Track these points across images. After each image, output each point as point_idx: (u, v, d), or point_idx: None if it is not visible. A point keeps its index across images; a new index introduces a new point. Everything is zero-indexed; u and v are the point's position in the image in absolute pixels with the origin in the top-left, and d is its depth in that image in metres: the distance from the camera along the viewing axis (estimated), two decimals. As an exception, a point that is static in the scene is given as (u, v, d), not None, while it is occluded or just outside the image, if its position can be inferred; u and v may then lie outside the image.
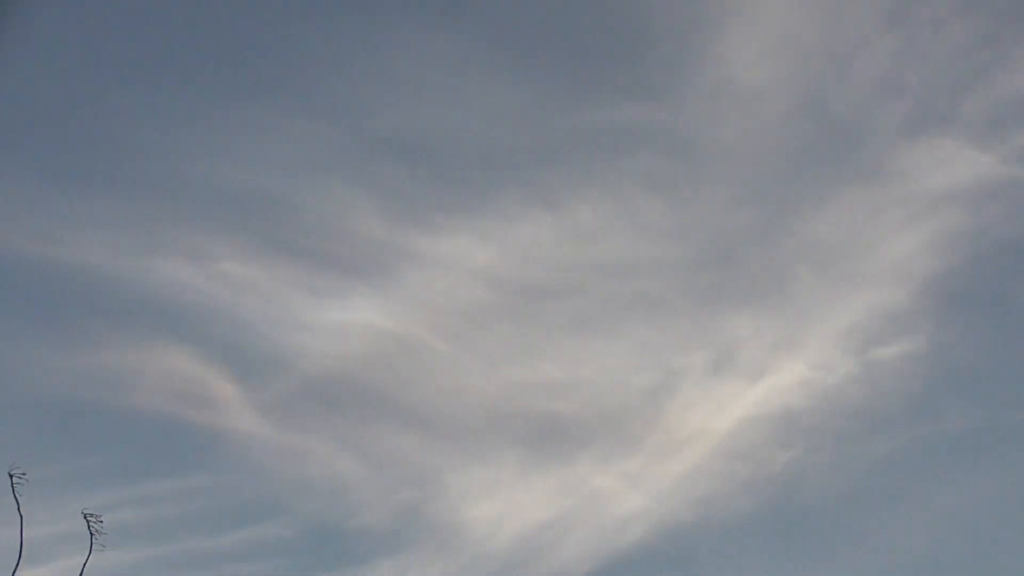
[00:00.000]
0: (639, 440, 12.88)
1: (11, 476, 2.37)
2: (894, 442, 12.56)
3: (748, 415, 12.48)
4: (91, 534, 2.49)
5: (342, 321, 12.49)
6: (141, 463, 12.48)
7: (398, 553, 12.24)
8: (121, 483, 11.06)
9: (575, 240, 12.78)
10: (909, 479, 12.62)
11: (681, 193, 12.78)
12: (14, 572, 2.43)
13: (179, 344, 12.19)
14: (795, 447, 12.57)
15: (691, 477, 12.31)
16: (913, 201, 12.35)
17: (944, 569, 12.27)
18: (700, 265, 12.85)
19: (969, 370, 12.45)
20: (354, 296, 12.45)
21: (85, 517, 2.52)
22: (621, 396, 12.99)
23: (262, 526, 11.97)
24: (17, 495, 2.38)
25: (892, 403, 12.49)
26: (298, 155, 12.31)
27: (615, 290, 13.10)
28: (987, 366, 12.48)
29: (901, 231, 12.29)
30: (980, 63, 12.04)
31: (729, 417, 12.54)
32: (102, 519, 2.51)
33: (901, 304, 12.24)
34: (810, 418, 12.62)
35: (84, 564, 2.46)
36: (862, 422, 12.55)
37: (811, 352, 12.68)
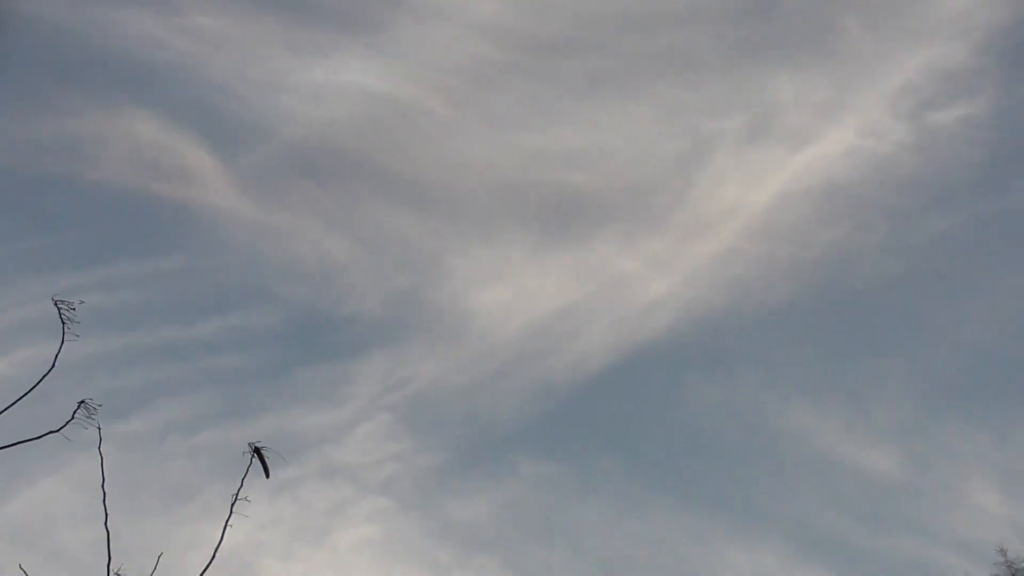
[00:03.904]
0: (666, 217, 12.54)
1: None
2: (953, 219, 12.24)
3: (788, 189, 11.68)
4: (63, 322, 2.38)
5: (330, 82, 11.61)
6: (108, 243, 12.52)
7: (394, 344, 11.99)
8: (88, 264, 11.33)
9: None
10: (971, 259, 12.45)
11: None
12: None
13: (146, 109, 12.14)
14: (841, 225, 12.05)
15: (724, 259, 11.88)
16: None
17: (1014, 362, 12.11)
18: (737, 15, 12.31)
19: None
20: (343, 54, 11.59)
21: (56, 303, 2.41)
22: (646, 167, 12.47)
23: (243, 313, 12.11)
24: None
25: (951, 174, 11.97)
26: None
27: (640, 45, 12.48)
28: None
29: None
30: None
31: (767, 191, 11.77)
32: (75, 305, 2.40)
33: (962, 61, 11.39)
34: (859, 192, 12.02)
35: (56, 354, 2.38)
36: (917, 196, 12.10)
37: (860, 116, 11.84)
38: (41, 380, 2.36)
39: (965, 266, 12.36)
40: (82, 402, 2.48)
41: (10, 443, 2.33)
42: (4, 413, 2.30)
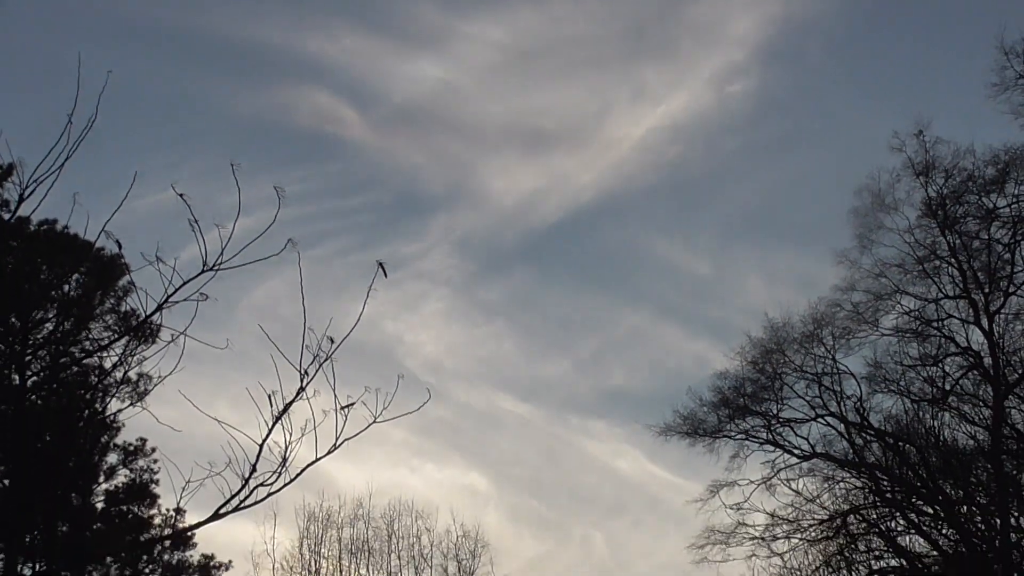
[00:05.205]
0: (591, 141, 21.23)
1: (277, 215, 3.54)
2: (739, 140, 22.37)
3: (655, 125, 20.30)
4: (279, 197, 3.64)
5: (415, 73, 20.46)
6: (302, 155, 20.13)
7: (450, 208, 20.84)
8: (292, 166, 18.16)
9: (556, 23, 21.00)
10: (748, 160, 22.12)
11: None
12: (231, 229, 3.65)
13: (321, 88, 20.94)
14: (680, 143, 20.95)
15: (624, 160, 20.56)
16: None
17: (772, 213, 20.50)
18: (628, 40, 21.23)
19: (781, 99, 20.73)
20: (420, 56, 20.74)
21: (275, 188, 3.63)
22: (583, 114, 21.59)
23: (370, 193, 20.61)
24: (238, 181, 3.61)
25: (736, 118, 21.62)
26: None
27: (581, 54, 21.32)
28: (791, 96, 21.03)
29: (740, 17, 20.38)
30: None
31: (643, 127, 20.37)
32: (284, 189, 3.62)
33: (741, 61, 20.91)
34: (689, 127, 20.48)
35: (275, 215, 3.63)
36: (719, 128, 21.21)
37: (690, 89, 20.43)
38: (267, 228, 3.66)
39: (745, 161, 21.95)
40: (289, 239, 3.63)
41: (254, 260, 3.67)
42: (251, 244, 3.64)
